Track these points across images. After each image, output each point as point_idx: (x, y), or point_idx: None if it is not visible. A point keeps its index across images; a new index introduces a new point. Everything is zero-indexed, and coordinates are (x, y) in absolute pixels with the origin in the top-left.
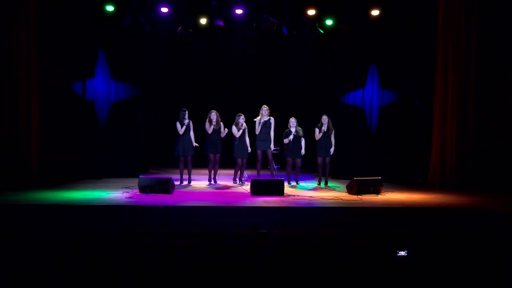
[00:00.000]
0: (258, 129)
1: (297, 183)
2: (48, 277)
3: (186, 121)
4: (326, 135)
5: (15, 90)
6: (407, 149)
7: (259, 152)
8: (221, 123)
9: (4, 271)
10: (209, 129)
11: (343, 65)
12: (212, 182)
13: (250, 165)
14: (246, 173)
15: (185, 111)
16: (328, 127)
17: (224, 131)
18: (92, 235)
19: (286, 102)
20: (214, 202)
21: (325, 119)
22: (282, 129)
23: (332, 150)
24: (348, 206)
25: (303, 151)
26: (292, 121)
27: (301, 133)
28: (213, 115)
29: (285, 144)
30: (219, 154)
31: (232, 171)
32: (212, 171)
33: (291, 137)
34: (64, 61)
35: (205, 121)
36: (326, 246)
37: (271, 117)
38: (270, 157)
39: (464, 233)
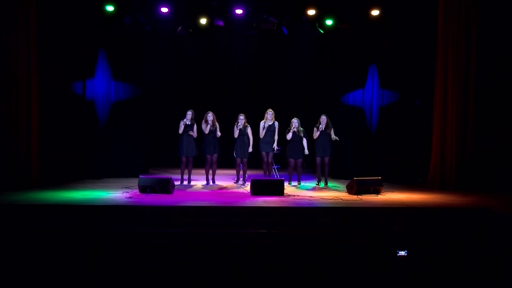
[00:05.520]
0: (262, 133)
1: (299, 183)
2: (48, 277)
3: (188, 122)
4: (325, 134)
5: (15, 90)
6: (407, 149)
7: (263, 153)
8: (217, 124)
9: (4, 271)
10: (206, 130)
11: (343, 65)
12: (211, 182)
13: (252, 165)
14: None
15: (189, 111)
16: (326, 125)
17: (217, 134)
18: (92, 235)
19: (286, 102)
20: (214, 202)
21: (323, 119)
22: (282, 129)
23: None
24: (348, 206)
25: (306, 151)
26: (294, 122)
27: (302, 133)
28: (210, 115)
29: (287, 141)
30: (216, 154)
31: (231, 171)
32: (210, 172)
33: (290, 134)
34: (64, 61)
35: (202, 121)
36: (326, 246)
37: (275, 121)
38: (270, 159)
39: (464, 233)
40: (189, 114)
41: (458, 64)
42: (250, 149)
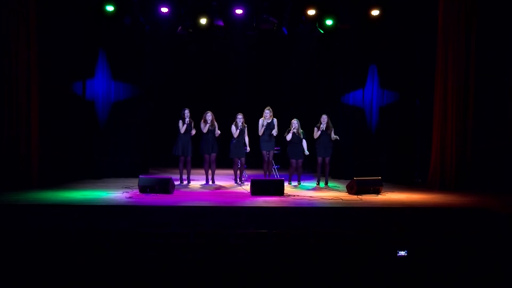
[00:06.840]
0: (261, 131)
1: (299, 183)
2: (48, 277)
3: (187, 120)
4: (325, 134)
5: (15, 90)
6: (407, 149)
7: (264, 152)
8: (216, 123)
9: (4, 271)
10: (204, 129)
11: (343, 65)
12: (210, 182)
13: (251, 165)
14: (246, 173)
15: (186, 110)
16: (327, 126)
17: (217, 132)
18: (92, 235)
19: (286, 102)
20: (214, 202)
21: (324, 118)
22: (282, 129)
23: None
24: (348, 206)
25: (306, 152)
26: (294, 123)
27: (302, 135)
28: (209, 115)
29: (287, 142)
30: (214, 154)
31: (231, 171)
32: (209, 171)
33: (289, 135)
34: (64, 61)
35: (201, 121)
36: (326, 246)
37: (274, 118)
38: (271, 158)
39: (464, 233)
40: (187, 113)
41: (458, 63)
42: (248, 149)
